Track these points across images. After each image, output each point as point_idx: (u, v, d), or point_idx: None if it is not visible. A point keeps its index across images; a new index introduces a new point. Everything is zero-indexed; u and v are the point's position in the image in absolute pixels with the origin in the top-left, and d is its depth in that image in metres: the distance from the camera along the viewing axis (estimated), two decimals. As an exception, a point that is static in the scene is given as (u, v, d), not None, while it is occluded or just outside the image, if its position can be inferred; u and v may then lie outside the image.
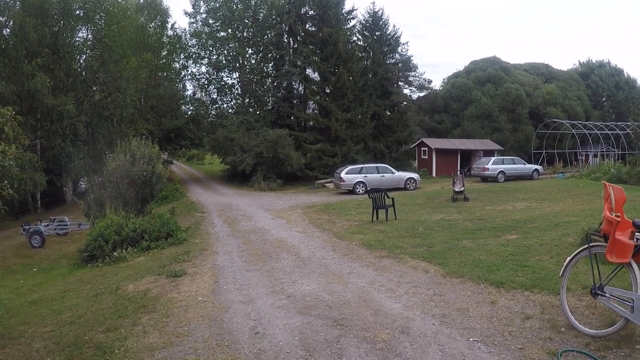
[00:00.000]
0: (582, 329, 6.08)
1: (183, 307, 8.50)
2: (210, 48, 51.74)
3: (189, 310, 8.24)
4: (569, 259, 6.52)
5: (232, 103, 54.21)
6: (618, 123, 54.54)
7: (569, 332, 6.15)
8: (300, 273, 10.43)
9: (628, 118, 57.12)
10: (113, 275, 12.66)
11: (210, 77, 53.27)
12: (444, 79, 70.84)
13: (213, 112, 54.99)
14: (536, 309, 7.06)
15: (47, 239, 23.10)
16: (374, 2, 68.15)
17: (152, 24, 52.55)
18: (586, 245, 6.30)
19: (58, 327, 8.19)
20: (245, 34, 51.27)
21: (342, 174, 33.03)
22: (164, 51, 53.32)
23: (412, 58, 59.54)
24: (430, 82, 63.83)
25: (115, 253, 15.73)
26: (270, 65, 51.92)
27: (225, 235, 16.94)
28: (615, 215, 5.92)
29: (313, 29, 47.59)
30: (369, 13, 52.35)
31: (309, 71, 48.32)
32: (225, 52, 51.65)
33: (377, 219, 17.87)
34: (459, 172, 27.61)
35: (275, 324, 7.24)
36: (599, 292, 6.03)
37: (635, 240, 5.65)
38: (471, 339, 6.24)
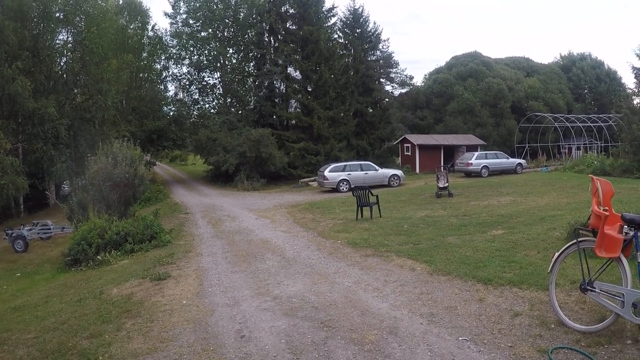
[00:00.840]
0: (572, 325, 6.03)
1: (167, 311, 8.39)
2: (191, 48, 51.57)
3: (173, 314, 8.13)
4: (557, 254, 6.47)
5: (214, 103, 54.15)
6: (600, 115, 54.84)
7: (559, 328, 6.10)
8: (285, 274, 10.34)
9: (610, 110, 57.32)
10: (97, 280, 12.52)
11: (191, 77, 53.16)
12: (425, 75, 70.91)
13: (195, 112, 54.87)
14: (525, 305, 7.02)
15: (31, 243, 22.95)
16: (354, 0, 67.64)
17: (133, 25, 52.39)
18: (574, 240, 6.25)
19: (42, 334, 8.06)
20: (225, 34, 51.15)
21: (326, 172, 33.01)
22: (144, 52, 53.08)
23: (393, 55, 59.58)
24: (411, 78, 63.73)
25: (98, 256, 15.56)
26: (252, 64, 51.76)
27: (210, 237, 16.83)
28: (604, 209, 5.87)
29: (294, 27, 47.53)
30: (349, 10, 52.31)
31: (290, 70, 48.23)
32: (206, 52, 51.51)
33: (362, 216, 17.86)
34: (442, 167, 27.63)
35: (261, 327, 7.15)
36: (589, 287, 5.99)
37: (624, 234, 5.61)
38: (460, 338, 6.17)
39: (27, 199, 37.13)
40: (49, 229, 24.38)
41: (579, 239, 6.20)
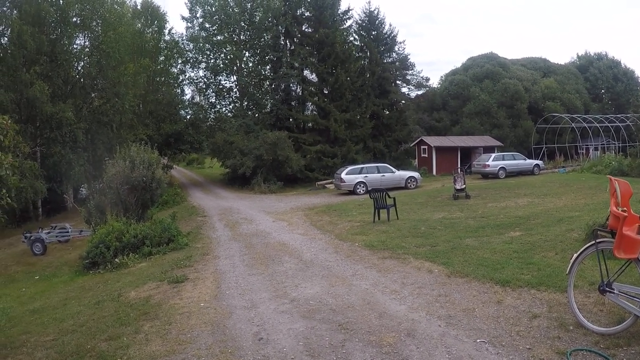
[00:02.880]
0: (590, 327, 6.00)
1: (185, 313, 8.43)
2: (208, 52, 51.66)
3: (191, 317, 8.17)
4: (575, 255, 6.44)
5: (230, 106, 54.19)
6: (618, 115, 54.48)
7: (577, 330, 6.07)
8: (302, 276, 10.36)
9: (628, 110, 56.98)
10: (115, 282, 12.61)
11: (208, 81, 53.24)
12: (441, 77, 70.74)
13: (212, 115, 54.98)
14: (543, 307, 6.98)
15: (49, 247, 23.09)
16: (369, 2, 67.39)
17: (149, 29, 52.60)
18: (593, 242, 6.21)
19: (60, 336, 8.14)
20: (242, 37, 51.20)
21: (343, 175, 32.95)
22: (161, 56, 53.32)
23: (409, 56, 59.48)
24: (427, 80, 63.66)
25: (116, 259, 15.68)
26: (268, 67, 51.82)
27: (227, 239, 16.89)
28: (622, 210, 5.83)
29: (309, 30, 47.69)
30: (364, 13, 52.32)
31: (306, 73, 48.36)
32: (223, 55, 51.60)
33: (379, 219, 17.81)
34: (459, 169, 27.54)
35: (279, 329, 7.17)
36: (607, 288, 5.96)
37: (643, 235, 5.57)
38: (478, 340, 6.16)
39: (46, 203, 37.34)
40: (67, 232, 24.52)
41: (597, 240, 6.16)
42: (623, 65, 70.63)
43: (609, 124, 51.43)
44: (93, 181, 33.89)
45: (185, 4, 51.48)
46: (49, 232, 23.98)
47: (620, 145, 51.19)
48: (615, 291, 5.86)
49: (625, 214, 5.76)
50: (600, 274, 6.08)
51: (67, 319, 9.32)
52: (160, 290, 10.41)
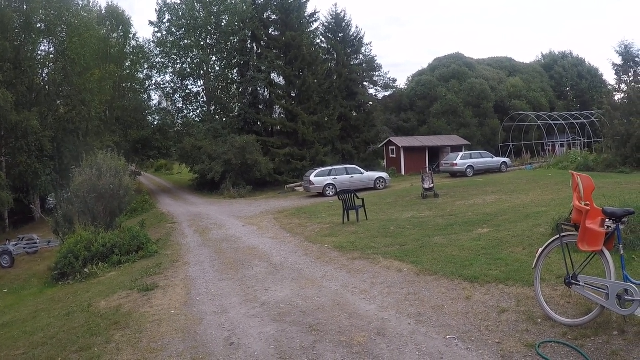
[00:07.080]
0: (558, 319, 6.07)
1: (156, 321, 8.35)
2: (174, 57, 51.24)
3: (162, 325, 8.10)
4: (541, 250, 6.53)
5: (198, 111, 53.71)
6: (582, 112, 55.25)
7: (545, 323, 6.13)
8: (273, 280, 10.34)
9: (592, 106, 57.90)
10: (85, 293, 12.44)
11: (175, 86, 52.75)
12: (408, 78, 71.03)
13: (179, 121, 54.45)
14: (511, 301, 7.05)
15: (17, 259, 22.82)
16: (336, 4, 67.68)
17: (115, 34, 52.16)
18: (557, 236, 6.30)
19: (30, 349, 8.00)
20: (208, 41, 50.83)
21: (312, 177, 33.00)
22: (127, 62, 52.86)
23: (375, 58, 59.72)
24: (395, 81, 63.90)
25: (86, 269, 15.45)
26: (235, 71, 51.65)
27: (197, 245, 16.79)
28: (585, 204, 5.92)
29: (276, 33, 47.72)
30: (331, 15, 52.59)
31: (273, 76, 48.34)
32: (189, 60, 51.19)
33: (348, 220, 17.87)
34: (427, 169, 27.73)
35: (249, 334, 7.13)
36: (573, 281, 6.03)
37: (605, 227, 5.65)
38: (448, 337, 6.19)
39: (12, 214, 36.79)
40: (35, 243, 24.25)
41: (561, 234, 6.25)
42: (587, 63, 71.81)
43: (574, 121, 52.14)
44: (60, 190, 33.45)
45: (155, 9, 51.15)
46: (16, 244, 23.71)
47: (585, 141, 52.00)
48: (581, 283, 5.94)
49: (588, 207, 5.86)
50: (566, 267, 6.16)
51: (38, 332, 9.18)
52: (131, 299, 10.31)
